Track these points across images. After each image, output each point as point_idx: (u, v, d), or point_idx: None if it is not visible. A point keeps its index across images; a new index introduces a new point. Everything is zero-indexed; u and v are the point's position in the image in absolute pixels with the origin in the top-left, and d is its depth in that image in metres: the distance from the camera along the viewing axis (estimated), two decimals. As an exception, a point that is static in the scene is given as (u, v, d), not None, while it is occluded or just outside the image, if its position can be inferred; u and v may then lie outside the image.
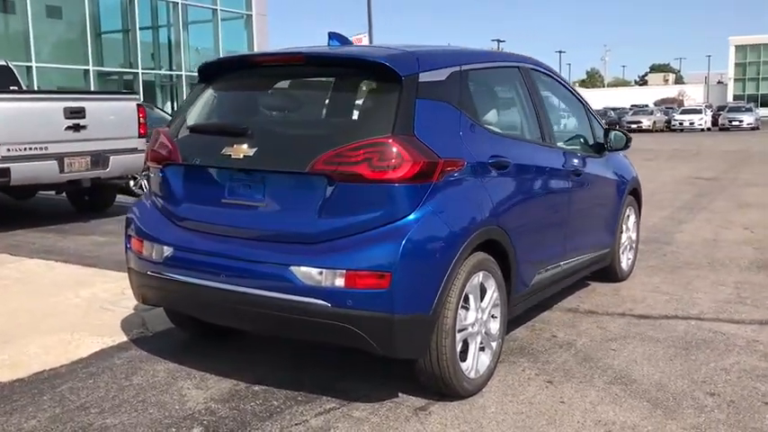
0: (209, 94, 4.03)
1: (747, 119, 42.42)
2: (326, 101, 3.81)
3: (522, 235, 3.97)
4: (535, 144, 4.44)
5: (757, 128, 42.84)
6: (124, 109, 9.37)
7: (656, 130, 45.61)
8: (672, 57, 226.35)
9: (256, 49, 27.43)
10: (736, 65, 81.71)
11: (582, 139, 5.31)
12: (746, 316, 5.12)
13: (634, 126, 44.12)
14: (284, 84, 4.04)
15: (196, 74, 4.22)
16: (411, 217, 3.25)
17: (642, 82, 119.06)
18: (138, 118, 9.39)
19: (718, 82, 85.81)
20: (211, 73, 4.06)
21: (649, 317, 5.12)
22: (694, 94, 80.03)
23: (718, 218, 9.72)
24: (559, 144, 4.82)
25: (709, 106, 51.98)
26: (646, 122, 45.37)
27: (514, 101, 4.44)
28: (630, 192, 6.04)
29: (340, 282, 3.21)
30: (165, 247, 3.72)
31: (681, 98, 77.01)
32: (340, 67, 3.70)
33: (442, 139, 3.47)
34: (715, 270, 6.56)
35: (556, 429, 3.32)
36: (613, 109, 54.49)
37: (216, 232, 3.62)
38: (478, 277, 3.62)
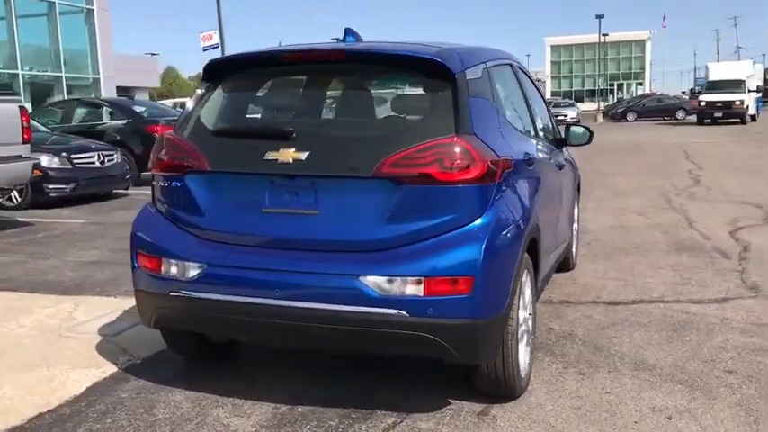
0: (226, 94, 3.69)
1: (571, 113, 45.74)
2: (375, 100, 3.60)
3: (543, 231, 4.01)
4: (536, 139, 4.50)
5: (579, 121, 46.35)
6: (4, 112, 8.39)
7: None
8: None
9: (99, 47, 25.68)
10: (552, 63, 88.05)
11: (549, 134, 5.45)
12: (702, 296, 5.50)
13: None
14: (323, 82, 3.77)
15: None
16: (485, 218, 3.17)
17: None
18: (22, 122, 8.46)
19: (537, 79, 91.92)
20: (224, 71, 3.72)
21: (620, 303, 5.36)
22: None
23: (606, 206, 10.37)
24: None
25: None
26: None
27: (515, 97, 4.47)
28: (578, 183, 6.32)
29: (418, 290, 3.06)
30: (194, 264, 3.37)
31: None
32: (385, 65, 3.52)
33: (494, 138, 3.41)
34: (644, 255, 7.00)
35: (620, 420, 3.38)
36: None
37: (257, 244, 3.33)
38: (525, 275, 3.60)
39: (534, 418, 3.40)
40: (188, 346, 4.01)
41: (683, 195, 11.17)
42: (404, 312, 3.06)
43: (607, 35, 58.05)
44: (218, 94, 3.68)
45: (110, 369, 4.03)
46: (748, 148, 20.19)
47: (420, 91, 3.40)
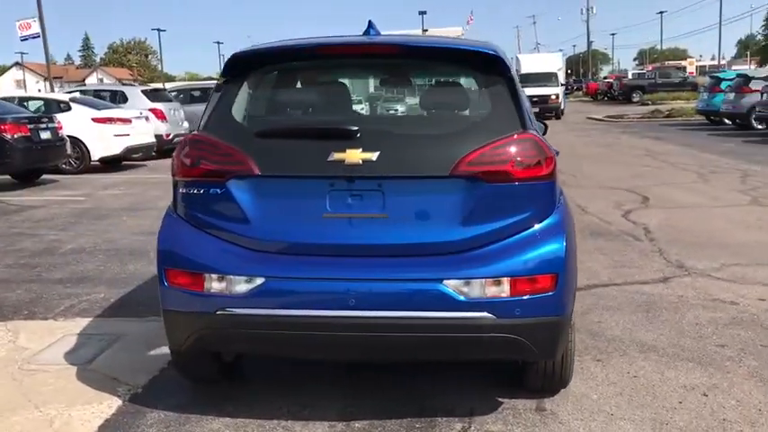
0: (260, 90, 3.37)
1: (401, 108, 47.09)
2: (434, 95, 3.43)
3: None
4: None
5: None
6: None
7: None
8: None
9: None
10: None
11: None
12: (644, 277, 5.87)
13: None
14: (372, 77, 3.52)
15: None
16: (557, 214, 3.16)
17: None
18: None
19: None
20: (252, 65, 3.39)
21: (580, 288, 5.58)
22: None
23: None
24: None
25: None
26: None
27: None
28: None
29: (504, 290, 3.00)
30: (248, 278, 3.06)
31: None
32: (440, 59, 3.37)
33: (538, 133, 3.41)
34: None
35: (665, 401, 3.53)
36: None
37: (319, 253, 3.09)
38: None
39: (590, 409, 3.46)
40: (206, 370, 3.64)
41: (557, 183, 11.85)
42: (491, 315, 2.98)
43: (426, 30, 60.11)
44: (251, 90, 3.36)
45: (113, 402, 3.57)
46: (582, 138, 21.82)
47: (477, 86, 3.30)
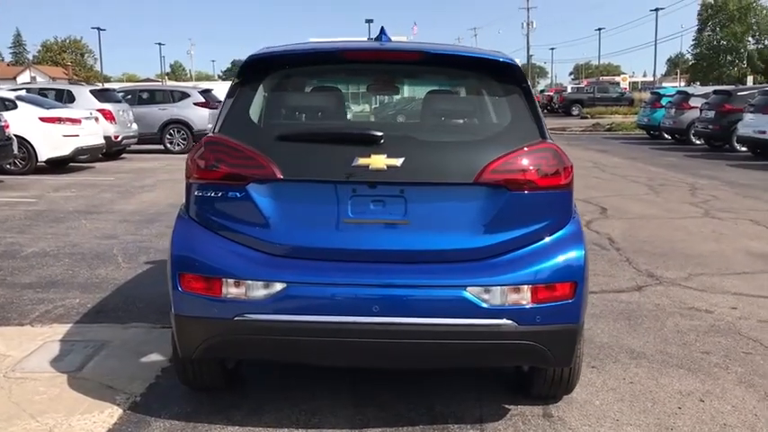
0: (278, 93, 3.33)
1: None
2: (454, 102, 3.44)
3: None
4: None
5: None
6: None
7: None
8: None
9: None
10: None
11: None
12: (618, 285, 6.01)
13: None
14: (393, 83, 3.50)
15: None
16: (574, 222, 3.22)
17: (225, 77, 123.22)
18: None
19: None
20: (269, 67, 3.34)
21: (559, 296, 5.69)
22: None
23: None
24: None
25: None
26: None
27: None
28: None
29: (526, 298, 3.03)
30: (268, 284, 3.01)
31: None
32: (458, 67, 3.39)
33: None
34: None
35: (665, 407, 3.62)
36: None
37: (340, 258, 3.06)
38: None
39: (596, 415, 3.53)
40: (211, 377, 3.55)
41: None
42: (512, 322, 3.01)
43: (370, 39, 60.26)
44: (267, 93, 3.31)
45: (114, 411, 3.46)
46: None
47: (495, 94, 3.33)
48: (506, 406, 3.59)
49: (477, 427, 3.38)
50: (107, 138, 15.76)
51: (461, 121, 3.35)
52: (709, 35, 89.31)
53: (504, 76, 3.28)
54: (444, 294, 3.00)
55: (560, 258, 3.10)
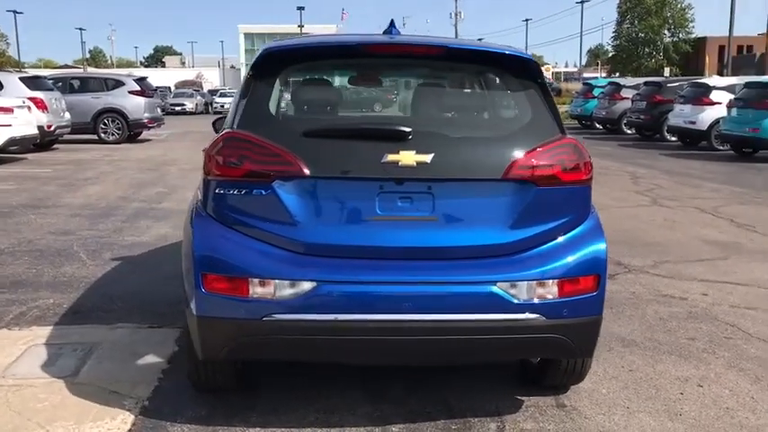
0: (297, 87, 3.25)
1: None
2: (475, 98, 3.42)
3: None
4: None
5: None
6: None
7: (199, 113, 46.68)
8: (183, 39, 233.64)
9: None
10: (246, 51, 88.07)
11: None
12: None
13: (178, 108, 44.44)
14: (414, 78, 3.46)
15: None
16: (593, 216, 3.28)
17: (147, 63, 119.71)
18: None
19: (231, 66, 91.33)
20: (286, 61, 3.26)
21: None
22: (211, 77, 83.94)
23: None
24: None
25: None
26: (189, 105, 46.05)
27: None
28: None
29: (553, 291, 3.07)
30: (297, 283, 2.95)
31: (200, 80, 79.69)
32: (478, 62, 3.38)
33: None
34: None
35: (668, 393, 3.74)
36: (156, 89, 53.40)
37: (369, 256, 3.03)
38: None
39: (606, 403, 3.61)
40: (227, 379, 3.47)
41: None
42: (541, 316, 3.05)
43: (303, 26, 59.89)
44: (284, 87, 3.23)
45: (126, 417, 3.33)
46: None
47: (513, 89, 3.33)
48: (518, 398, 3.64)
49: (497, 419, 3.41)
50: (40, 127, 15.09)
51: (484, 116, 3.36)
52: (628, 27, 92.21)
53: (522, 71, 3.30)
54: (475, 290, 3.01)
55: (584, 252, 3.15)
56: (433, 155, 3.00)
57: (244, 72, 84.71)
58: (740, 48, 66.64)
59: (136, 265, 6.25)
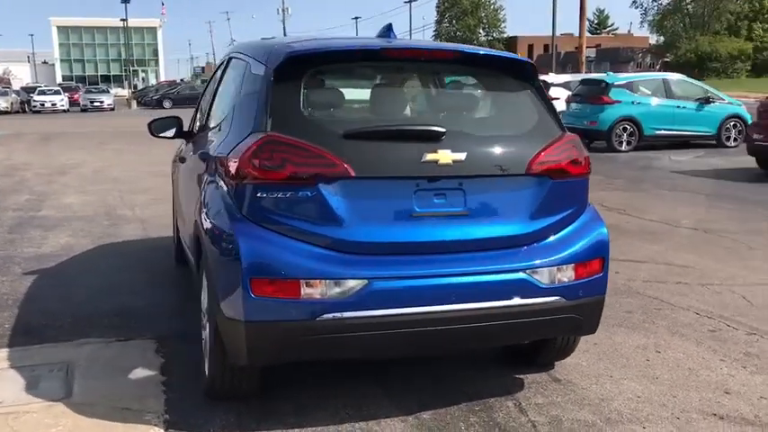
0: (326, 90, 3.30)
1: (107, 100, 44.10)
2: (489, 99, 3.59)
3: None
4: None
5: (113, 108, 44.80)
6: None
7: (14, 112, 43.14)
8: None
9: None
10: (61, 45, 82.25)
11: None
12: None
13: (-8, 107, 40.97)
14: (432, 80, 3.55)
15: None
16: (591, 205, 3.62)
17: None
18: None
19: (44, 62, 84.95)
20: (312, 65, 3.29)
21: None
22: (20, 74, 77.64)
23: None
24: None
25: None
26: (3, 104, 42.39)
27: None
28: None
29: (571, 275, 3.37)
30: (349, 282, 3.03)
31: (7, 77, 73.54)
32: (488, 67, 3.57)
33: None
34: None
35: (635, 361, 4.19)
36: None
37: (412, 252, 3.17)
38: None
39: (592, 375, 3.99)
40: (250, 384, 3.45)
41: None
42: (562, 298, 3.34)
43: (127, 20, 56.98)
44: (308, 90, 3.27)
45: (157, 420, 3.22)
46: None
47: (517, 91, 3.56)
48: (517, 377, 3.93)
49: (510, 398, 3.67)
50: None
51: (501, 116, 3.58)
52: (447, 27, 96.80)
53: (526, 74, 3.57)
54: (509, 278, 3.24)
55: (591, 237, 3.48)
56: (466, 153, 3.19)
57: (58, 68, 79.34)
58: (546, 47, 72.33)
59: (56, 278, 5.85)
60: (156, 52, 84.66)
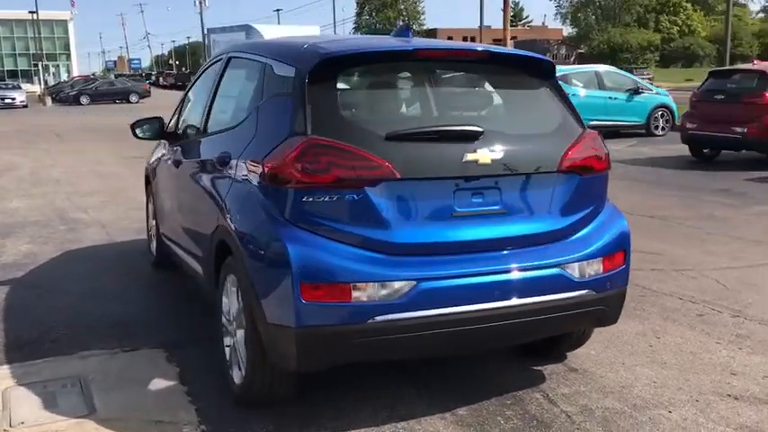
0: (361, 91, 3.31)
1: (19, 96, 42.11)
2: (513, 98, 3.62)
3: None
4: None
5: (26, 105, 42.82)
6: None
7: None
8: None
9: None
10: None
11: None
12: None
13: None
14: (461, 80, 3.55)
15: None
16: (608, 200, 3.73)
17: None
18: None
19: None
20: (344, 66, 3.28)
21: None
22: None
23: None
24: None
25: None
26: None
27: None
28: None
29: (599, 268, 3.47)
30: (399, 283, 3.03)
31: None
32: (513, 66, 3.62)
33: None
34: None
35: (641, 348, 4.37)
36: None
37: (455, 251, 3.20)
38: None
39: (605, 363, 4.13)
40: (287, 389, 3.42)
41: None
42: (593, 291, 3.44)
43: (36, 12, 54.40)
44: (343, 92, 3.25)
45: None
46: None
47: (543, 89, 3.62)
48: (535, 368, 4.02)
49: (537, 390, 3.76)
50: None
51: (529, 115, 3.63)
52: (366, 19, 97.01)
53: (547, 72, 3.65)
54: (547, 273, 3.31)
55: (614, 230, 3.59)
56: (502, 152, 3.24)
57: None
58: (465, 38, 73.56)
59: (34, 288, 5.59)
60: (67, 46, 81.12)
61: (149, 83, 60.99)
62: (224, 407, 3.52)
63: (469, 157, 3.17)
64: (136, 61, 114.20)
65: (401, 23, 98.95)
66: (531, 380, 3.87)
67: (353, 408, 3.51)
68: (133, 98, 43.93)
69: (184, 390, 3.71)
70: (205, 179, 4.01)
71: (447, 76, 3.59)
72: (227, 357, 3.66)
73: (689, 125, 13.08)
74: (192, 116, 4.89)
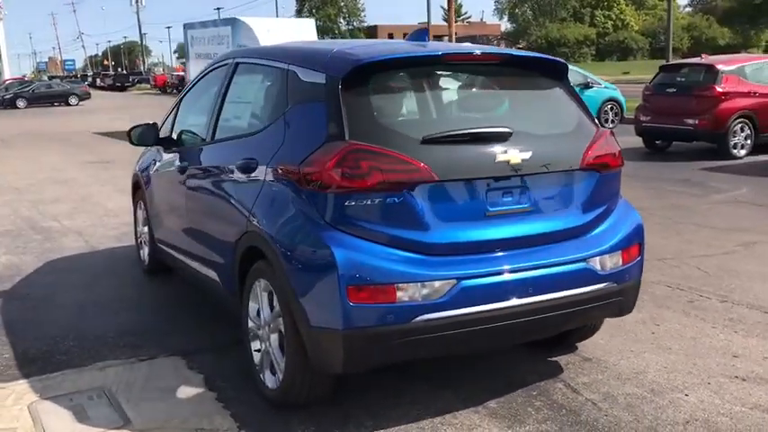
0: (392, 95, 3.41)
1: None
2: (534, 99, 3.72)
3: None
4: None
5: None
6: None
7: None
8: None
9: None
10: None
11: None
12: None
13: None
14: (483, 83, 3.64)
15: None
16: (621, 194, 3.89)
17: None
18: None
19: None
20: (374, 72, 3.35)
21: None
22: None
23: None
24: None
25: None
26: None
27: None
28: None
29: (618, 261, 3.62)
30: (441, 282, 3.12)
31: None
32: (528, 68, 3.74)
33: None
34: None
35: (644, 335, 4.56)
36: None
37: (490, 249, 3.30)
38: None
39: (615, 351, 4.30)
40: (323, 390, 3.47)
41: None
42: (615, 283, 3.59)
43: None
44: (378, 97, 3.33)
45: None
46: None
47: (558, 90, 3.74)
48: (551, 359, 4.16)
49: (558, 380, 3.90)
50: None
51: (549, 115, 3.74)
52: (306, 17, 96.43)
53: (562, 73, 3.78)
54: (575, 268, 3.45)
55: (629, 224, 3.75)
56: (531, 152, 3.35)
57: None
58: (404, 35, 73.98)
59: (27, 300, 5.47)
60: (-5, 47, 78.43)
61: (87, 84, 59.45)
62: (259, 411, 3.54)
63: (501, 157, 3.28)
64: (70, 62, 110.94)
65: (342, 21, 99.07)
66: (550, 371, 4.00)
67: (386, 406, 3.58)
68: (73, 100, 42.70)
69: (214, 396, 3.72)
70: (224, 186, 4.01)
71: (471, 78, 3.70)
72: (257, 361, 3.69)
73: (642, 118, 13.52)
74: (194, 122, 4.86)
